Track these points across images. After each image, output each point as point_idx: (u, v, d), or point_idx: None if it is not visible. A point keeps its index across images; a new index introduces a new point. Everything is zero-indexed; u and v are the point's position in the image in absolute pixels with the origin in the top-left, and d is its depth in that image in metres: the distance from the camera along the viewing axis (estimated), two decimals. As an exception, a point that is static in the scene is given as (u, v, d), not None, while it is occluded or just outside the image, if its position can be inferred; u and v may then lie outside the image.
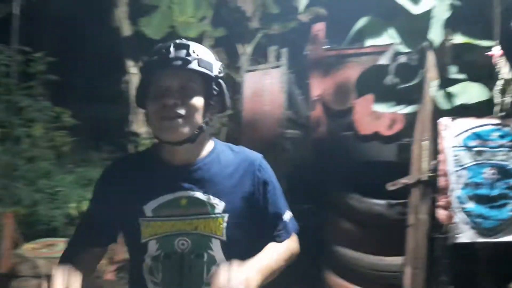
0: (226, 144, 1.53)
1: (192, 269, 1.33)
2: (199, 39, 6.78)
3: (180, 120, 1.31)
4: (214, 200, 1.36)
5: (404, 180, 3.15)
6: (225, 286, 1.13)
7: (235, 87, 6.96)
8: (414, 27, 3.09)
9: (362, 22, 2.60)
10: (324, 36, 5.69)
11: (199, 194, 1.36)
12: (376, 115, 5.02)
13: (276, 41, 6.69)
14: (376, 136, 5.08)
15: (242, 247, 1.37)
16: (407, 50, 3.27)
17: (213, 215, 1.35)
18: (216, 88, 1.38)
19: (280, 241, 1.44)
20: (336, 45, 5.40)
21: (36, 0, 7.51)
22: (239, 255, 1.29)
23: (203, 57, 1.34)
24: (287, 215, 1.49)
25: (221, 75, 1.39)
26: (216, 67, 1.36)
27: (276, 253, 1.40)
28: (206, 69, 1.33)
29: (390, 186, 3.13)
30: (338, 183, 3.39)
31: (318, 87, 5.76)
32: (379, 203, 3.04)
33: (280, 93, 5.90)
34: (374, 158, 4.70)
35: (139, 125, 6.94)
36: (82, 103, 7.40)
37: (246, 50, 6.75)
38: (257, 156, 1.51)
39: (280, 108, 5.91)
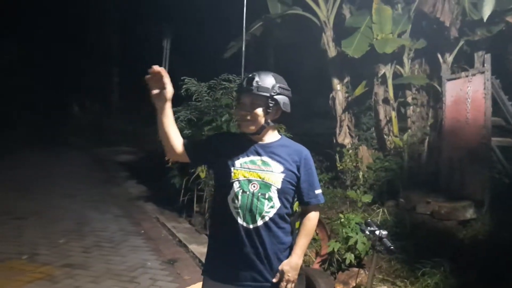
0: (290, 140, 2.34)
1: (258, 201, 2.12)
2: (398, 53, 7.08)
3: (248, 122, 2.16)
4: (277, 165, 2.16)
5: None
6: (290, 276, 2.14)
7: (437, 96, 6.97)
8: None
9: None
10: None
11: (269, 160, 2.17)
12: None
13: (480, 47, 6.46)
14: None
15: (287, 195, 2.19)
16: None
17: (275, 173, 2.15)
18: (272, 102, 2.13)
19: (309, 206, 2.26)
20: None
21: (260, 34, 8.96)
22: (284, 198, 2.16)
23: (263, 84, 2.12)
24: (319, 191, 2.28)
25: (275, 94, 2.13)
26: (272, 89, 2.13)
27: (306, 235, 2.25)
28: (263, 92, 2.11)
29: None
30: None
31: (530, 90, 5.39)
32: None
33: (483, 100, 5.72)
34: None
35: (344, 137, 7.55)
36: (296, 119, 8.39)
37: (447, 59, 6.69)
38: (306, 150, 2.27)
39: (484, 115, 5.72)
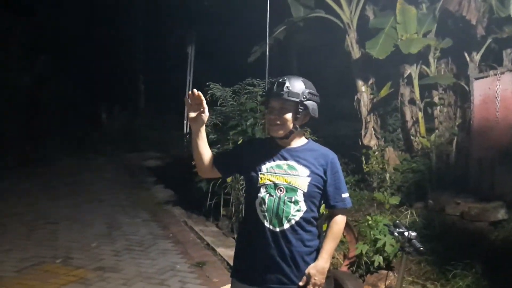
0: (317, 143, 2.36)
1: (284, 205, 2.15)
2: (424, 53, 7.01)
3: (277, 127, 2.19)
4: (303, 168, 2.19)
5: None
6: (316, 279, 2.15)
7: (464, 96, 6.85)
8: None
9: None
10: None
11: (294, 164, 2.20)
12: None
13: (508, 45, 6.33)
14: None
15: (314, 199, 2.21)
16: None
17: (301, 177, 2.18)
18: (302, 107, 2.16)
19: (336, 209, 2.26)
20: None
21: (283, 38, 9.00)
22: (311, 201, 2.18)
23: (293, 89, 2.13)
24: (345, 195, 2.27)
25: (305, 99, 2.15)
26: (302, 95, 2.15)
27: (333, 239, 2.25)
28: (293, 97, 2.13)
29: None
30: None
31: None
32: None
33: (513, 98, 5.62)
34: None
35: (370, 139, 7.49)
36: (321, 122, 8.35)
37: (474, 57, 6.58)
38: (333, 153, 2.29)
39: (514, 114, 5.62)
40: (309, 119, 2.24)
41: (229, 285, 2.42)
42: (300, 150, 2.25)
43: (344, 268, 4.69)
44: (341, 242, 5.21)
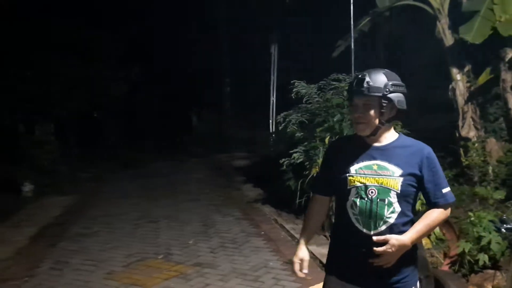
0: (409, 138, 2.21)
1: (377, 207, 2.05)
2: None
3: (363, 125, 2.10)
4: (395, 168, 2.07)
5: None
6: (391, 250, 1.99)
7: None
8: None
9: None
10: None
11: (385, 163, 2.09)
12: None
13: None
14: None
15: (409, 198, 2.09)
16: None
17: (393, 177, 2.06)
18: (386, 102, 2.05)
19: (437, 207, 2.10)
20: None
21: (368, 30, 8.75)
22: (405, 201, 2.06)
23: (374, 84, 2.04)
24: (446, 190, 2.11)
25: (388, 92, 2.04)
26: (384, 88, 2.04)
27: (426, 224, 2.09)
28: (375, 92, 2.04)
29: None
30: None
31: None
32: None
33: None
34: None
35: (468, 130, 7.00)
36: (413, 114, 7.98)
37: None
38: (428, 147, 2.14)
39: None
40: (396, 112, 2.11)
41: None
42: (391, 148, 2.14)
43: (445, 268, 4.45)
44: (441, 240, 4.96)
